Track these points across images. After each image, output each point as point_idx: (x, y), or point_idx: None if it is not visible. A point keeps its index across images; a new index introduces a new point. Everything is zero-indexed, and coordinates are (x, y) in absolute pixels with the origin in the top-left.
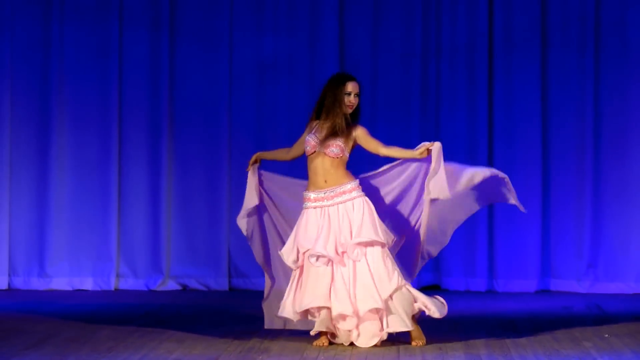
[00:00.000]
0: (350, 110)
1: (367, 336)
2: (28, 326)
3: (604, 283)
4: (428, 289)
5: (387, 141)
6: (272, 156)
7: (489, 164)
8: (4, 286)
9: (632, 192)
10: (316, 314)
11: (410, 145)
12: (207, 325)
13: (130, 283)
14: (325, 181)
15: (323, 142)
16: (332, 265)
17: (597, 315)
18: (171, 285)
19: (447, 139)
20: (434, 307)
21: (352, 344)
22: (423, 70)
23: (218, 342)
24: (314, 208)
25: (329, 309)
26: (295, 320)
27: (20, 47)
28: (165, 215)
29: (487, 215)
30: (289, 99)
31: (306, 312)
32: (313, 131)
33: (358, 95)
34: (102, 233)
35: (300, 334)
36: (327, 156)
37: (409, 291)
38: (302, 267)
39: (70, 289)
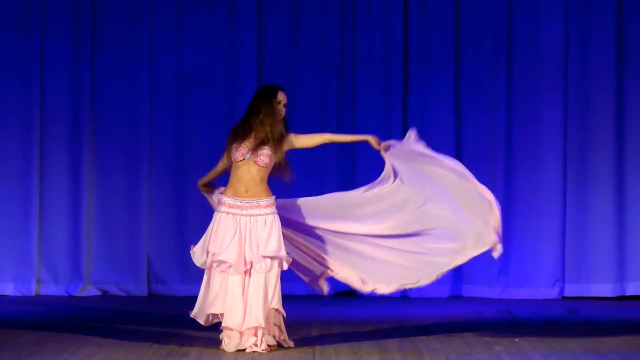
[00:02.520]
0: (280, 119)
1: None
2: None
3: (514, 289)
4: (344, 295)
5: (303, 152)
6: (208, 178)
7: None
8: None
9: (542, 201)
10: (221, 318)
11: (326, 159)
12: (126, 330)
13: (50, 289)
14: (247, 191)
15: (254, 150)
16: (239, 274)
17: (508, 320)
18: (91, 291)
19: (363, 149)
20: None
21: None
22: (340, 81)
23: (137, 346)
24: (227, 214)
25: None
26: (203, 322)
27: None
28: (86, 222)
29: None
30: (208, 108)
31: (210, 316)
32: (241, 140)
33: (286, 105)
34: (23, 239)
35: (218, 341)
36: (255, 165)
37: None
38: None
39: None
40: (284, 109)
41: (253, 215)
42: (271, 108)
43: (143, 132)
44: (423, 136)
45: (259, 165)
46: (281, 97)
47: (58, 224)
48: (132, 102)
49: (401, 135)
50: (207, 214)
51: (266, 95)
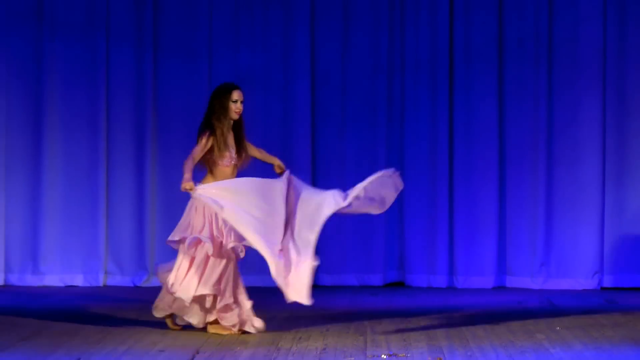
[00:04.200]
0: (237, 117)
1: None
2: (23, 320)
3: (555, 280)
4: (393, 286)
5: (355, 150)
6: (191, 172)
7: (450, 170)
8: (0, 283)
9: (582, 196)
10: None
11: (377, 154)
12: None
13: (117, 280)
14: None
15: (239, 154)
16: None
17: (549, 309)
18: (155, 281)
19: (411, 148)
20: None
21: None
22: (389, 83)
23: (199, 334)
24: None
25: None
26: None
27: (15, 62)
28: (150, 216)
29: (447, 217)
30: (264, 109)
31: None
32: (224, 144)
33: (242, 102)
34: (91, 233)
35: (273, 328)
36: (236, 166)
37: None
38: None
39: (61, 285)
40: (240, 106)
41: None
42: (224, 106)
43: None
44: (468, 135)
45: (236, 165)
46: (237, 95)
47: (123, 218)
48: (192, 103)
49: (447, 136)
50: None
51: (221, 94)
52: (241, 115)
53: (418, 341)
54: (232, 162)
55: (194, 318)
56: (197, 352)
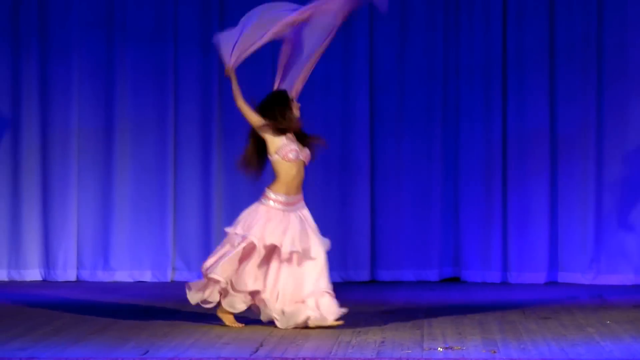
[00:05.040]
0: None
1: None
2: (94, 314)
3: (605, 275)
4: (449, 281)
5: (412, 153)
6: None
7: (503, 170)
8: (73, 278)
9: (630, 195)
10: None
11: (433, 156)
12: (252, 313)
13: (184, 275)
14: (297, 188)
15: (302, 150)
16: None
17: (600, 304)
18: None
19: (466, 149)
20: None
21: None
22: (444, 87)
23: (262, 328)
24: (277, 210)
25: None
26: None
27: (87, 68)
28: (215, 215)
29: (501, 215)
30: (324, 112)
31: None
32: (288, 138)
33: None
34: (160, 231)
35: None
36: (303, 164)
37: None
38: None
39: (131, 280)
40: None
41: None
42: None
43: None
44: (521, 137)
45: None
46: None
47: (190, 217)
48: None
49: (501, 138)
50: (323, 203)
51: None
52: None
53: (473, 334)
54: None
55: (241, 304)
56: (261, 345)
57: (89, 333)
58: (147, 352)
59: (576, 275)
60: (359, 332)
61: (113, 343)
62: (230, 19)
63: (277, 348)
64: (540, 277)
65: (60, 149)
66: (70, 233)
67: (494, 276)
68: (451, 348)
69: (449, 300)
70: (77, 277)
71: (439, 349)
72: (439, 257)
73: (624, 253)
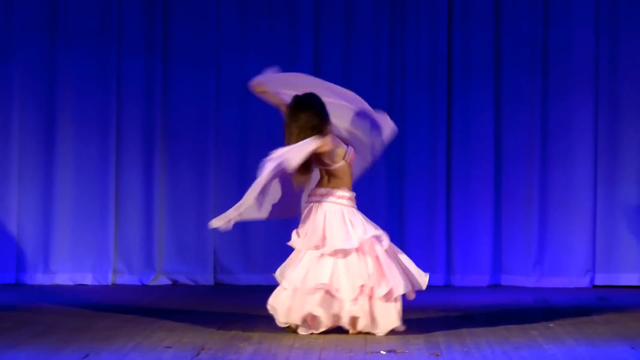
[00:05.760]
0: None
1: None
2: (34, 317)
3: (549, 278)
4: None
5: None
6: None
7: (448, 173)
8: (12, 281)
9: (574, 197)
10: None
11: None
12: (194, 316)
13: (125, 278)
14: None
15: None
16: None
17: (543, 307)
18: (162, 280)
19: (410, 152)
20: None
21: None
22: (389, 89)
23: (205, 331)
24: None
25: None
26: None
27: (29, 69)
28: (158, 217)
29: (445, 218)
30: (269, 115)
31: None
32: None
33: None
34: (101, 233)
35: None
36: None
37: None
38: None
39: (71, 283)
40: None
41: None
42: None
43: (210, 136)
44: (466, 139)
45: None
46: None
47: (132, 219)
48: (200, 109)
49: (445, 141)
50: None
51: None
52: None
53: (416, 338)
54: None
55: None
56: (203, 349)
57: (28, 337)
58: (88, 355)
59: (520, 278)
60: (302, 335)
61: (53, 347)
62: (173, 21)
63: (219, 352)
64: (484, 280)
65: (1, 149)
66: (10, 235)
67: (438, 279)
68: (394, 351)
69: None
70: (17, 280)
71: (382, 352)
72: None
73: (567, 256)
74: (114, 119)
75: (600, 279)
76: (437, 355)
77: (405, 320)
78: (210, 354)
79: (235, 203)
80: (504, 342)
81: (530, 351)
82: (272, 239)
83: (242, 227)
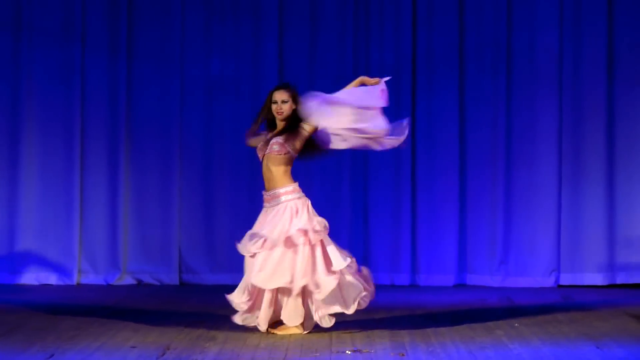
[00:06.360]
0: (278, 116)
1: None
2: None
3: (514, 278)
4: None
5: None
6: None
7: (412, 172)
8: None
9: (539, 198)
10: None
11: (342, 156)
12: (160, 316)
13: (90, 278)
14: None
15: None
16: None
17: (508, 306)
18: (128, 280)
19: (375, 152)
20: None
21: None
22: None
23: (170, 330)
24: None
25: None
26: None
27: None
28: (123, 218)
29: (410, 217)
30: (233, 114)
31: None
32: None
33: (285, 102)
34: (66, 233)
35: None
36: (264, 157)
37: None
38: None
39: (36, 283)
40: (280, 107)
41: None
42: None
43: (174, 135)
44: (430, 139)
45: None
46: (276, 96)
47: (97, 219)
48: (165, 108)
49: (410, 140)
50: (233, 208)
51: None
52: (290, 115)
53: (381, 337)
54: (261, 154)
55: None
56: (168, 349)
57: None
58: (53, 355)
59: (485, 277)
60: (268, 334)
61: (18, 346)
62: (138, 21)
63: (184, 352)
64: (449, 280)
65: None
66: None
67: (403, 279)
68: (360, 351)
69: None
70: None
71: (347, 351)
72: None
73: (531, 256)
74: (78, 118)
75: (565, 279)
76: (403, 355)
77: (370, 319)
78: (175, 353)
79: (200, 205)
80: (469, 341)
81: (496, 351)
82: (237, 239)
83: (207, 227)
